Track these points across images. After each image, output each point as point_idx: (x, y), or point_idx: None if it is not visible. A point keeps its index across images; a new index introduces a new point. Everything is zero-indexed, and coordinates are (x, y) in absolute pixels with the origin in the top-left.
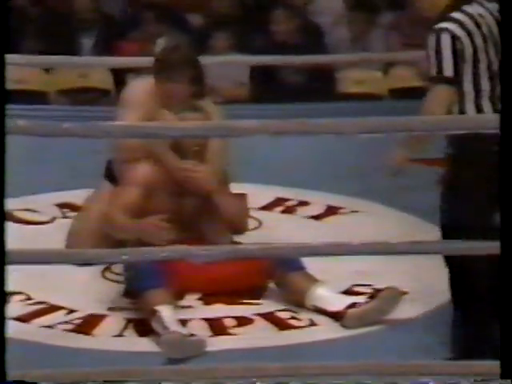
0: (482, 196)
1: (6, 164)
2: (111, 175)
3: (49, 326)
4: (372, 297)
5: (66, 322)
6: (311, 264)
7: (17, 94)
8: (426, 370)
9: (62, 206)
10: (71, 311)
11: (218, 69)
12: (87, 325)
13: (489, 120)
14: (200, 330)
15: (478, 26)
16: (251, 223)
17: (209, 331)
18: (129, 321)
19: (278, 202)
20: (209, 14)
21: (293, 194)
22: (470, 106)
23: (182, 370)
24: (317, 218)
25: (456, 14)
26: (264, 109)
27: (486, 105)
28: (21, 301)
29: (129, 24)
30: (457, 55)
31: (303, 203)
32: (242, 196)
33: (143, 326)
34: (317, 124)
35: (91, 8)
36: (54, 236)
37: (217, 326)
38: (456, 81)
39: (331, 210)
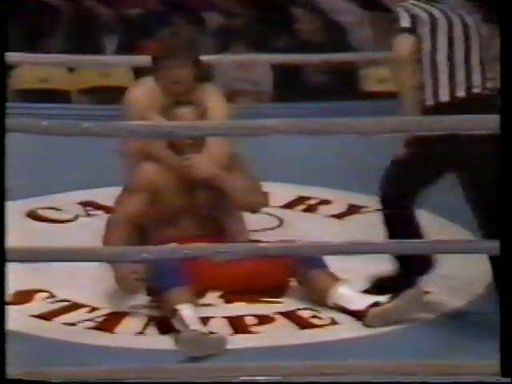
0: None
1: (5, 164)
2: None
3: (71, 324)
4: (394, 296)
5: (89, 320)
6: (333, 263)
7: (40, 93)
8: (443, 370)
9: (85, 204)
10: (93, 309)
11: (241, 69)
12: (109, 322)
13: (489, 120)
14: (221, 328)
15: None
16: (273, 222)
17: (230, 329)
18: (150, 319)
19: (300, 200)
20: (231, 13)
21: (314, 193)
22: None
23: (202, 368)
24: (338, 216)
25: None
26: (287, 107)
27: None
28: (44, 298)
29: (153, 23)
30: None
31: (325, 202)
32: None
33: (164, 324)
34: (337, 123)
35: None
36: (77, 234)
37: (238, 325)
38: (413, 30)
39: (353, 209)
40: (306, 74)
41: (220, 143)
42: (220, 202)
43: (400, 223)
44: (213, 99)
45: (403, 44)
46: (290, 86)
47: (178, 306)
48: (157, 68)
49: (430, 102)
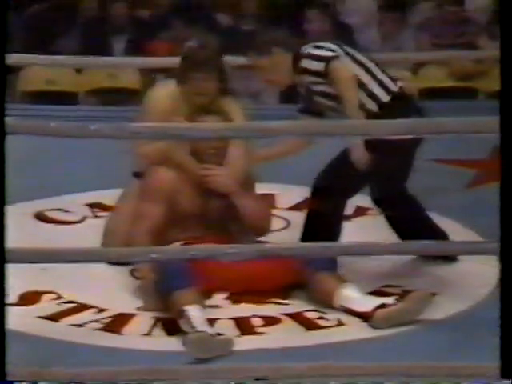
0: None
1: (5, 166)
2: (139, 172)
3: (78, 325)
4: (401, 298)
5: (96, 321)
6: (340, 264)
7: (48, 94)
8: (449, 372)
9: (92, 205)
10: (101, 310)
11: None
12: (116, 324)
13: (488, 123)
14: (227, 329)
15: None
16: (280, 223)
17: (236, 330)
18: (157, 320)
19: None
20: (240, 14)
21: None
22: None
23: (209, 369)
24: (346, 218)
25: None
26: (291, 109)
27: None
28: (51, 300)
29: (160, 25)
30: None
31: None
32: (267, 198)
33: (171, 326)
34: (346, 125)
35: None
36: (84, 235)
37: (244, 326)
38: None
39: (360, 211)
40: None
41: (241, 156)
42: (232, 214)
43: (323, 219)
44: (236, 111)
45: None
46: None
47: (186, 307)
48: (181, 78)
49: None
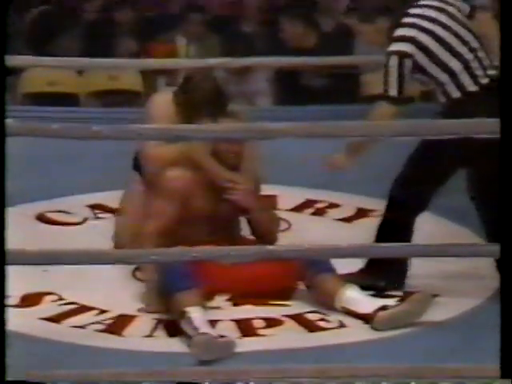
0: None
1: (7, 166)
2: (140, 166)
3: (80, 327)
4: (402, 300)
5: (97, 323)
6: (341, 266)
7: (49, 96)
8: (450, 373)
9: (93, 207)
10: (102, 311)
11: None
12: (118, 325)
13: (489, 124)
14: (229, 331)
15: (426, 31)
16: (281, 225)
17: (238, 332)
18: (159, 321)
19: (308, 203)
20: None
21: (323, 196)
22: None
23: (210, 371)
24: (347, 220)
25: (404, 31)
26: (288, 111)
27: (453, 90)
28: (52, 301)
29: (162, 25)
30: (403, 76)
31: (334, 205)
32: (268, 199)
33: (173, 327)
34: (347, 126)
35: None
36: (85, 237)
37: (246, 327)
38: (400, 100)
39: (362, 213)
40: (308, 77)
41: (255, 163)
42: (238, 218)
43: (396, 229)
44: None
45: (381, 113)
46: (290, 90)
47: (188, 309)
48: (177, 105)
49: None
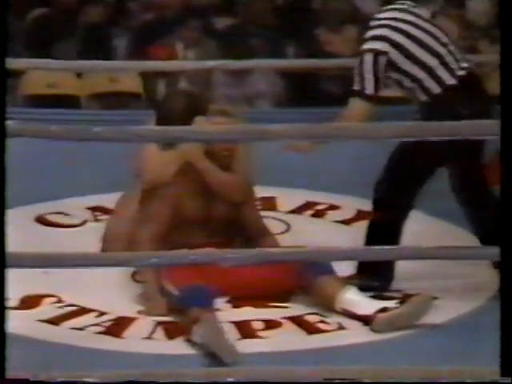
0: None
1: (6, 168)
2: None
3: (79, 329)
4: (402, 302)
5: (96, 325)
6: (341, 268)
7: (49, 98)
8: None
9: (93, 209)
10: (101, 313)
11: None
12: (117, 327)
13: (489, 125)
14: (228, 333)
15: (398, 29)
16: (280, 227)
17: (237, 334)
18: (158, 323)
19: (308, 205)
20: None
21: (323, 198)
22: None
23: (209, 372)
24: (347, 222)
25: (376, 31)
26: (298, 113)
27: (432, 84)
28: (52, 303)
29: (162, 28)
30: (378, 73)
31: (333, 207)
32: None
33: (172, 329)
34: (344, 128)
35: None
36: (85, 239)
37: (245, 329)
38: (375, 98)
39: (361, 215)
40: (317, 79)
41: (247, 161)
42: (234, 220)
43: (384, 232)
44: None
45: (357, 111)
46: (300, 92)
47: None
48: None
49: (436, 90)
